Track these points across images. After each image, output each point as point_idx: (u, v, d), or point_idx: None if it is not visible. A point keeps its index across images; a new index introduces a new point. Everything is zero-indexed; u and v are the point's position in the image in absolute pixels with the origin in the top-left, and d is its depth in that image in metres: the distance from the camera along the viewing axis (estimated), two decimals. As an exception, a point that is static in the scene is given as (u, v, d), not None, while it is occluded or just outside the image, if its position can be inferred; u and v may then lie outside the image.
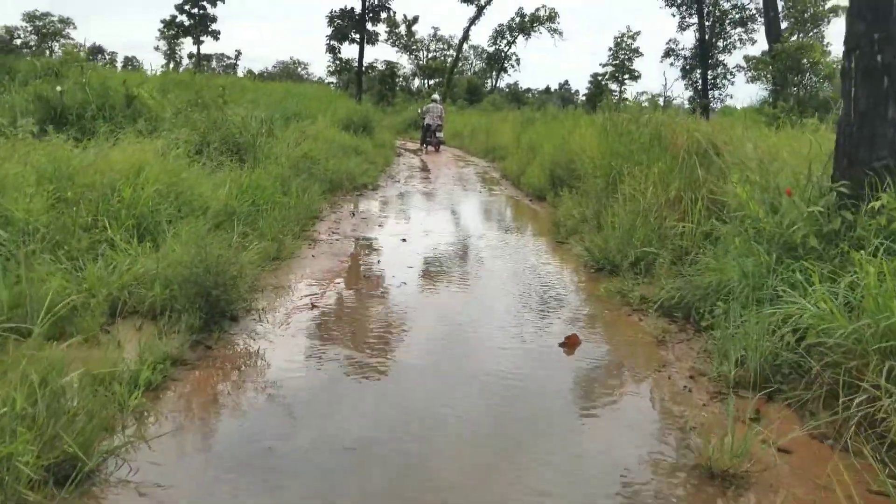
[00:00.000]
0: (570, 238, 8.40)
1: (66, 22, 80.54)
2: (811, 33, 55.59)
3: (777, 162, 5.67)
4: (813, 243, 4.45)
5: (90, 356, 3.90)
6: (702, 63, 44.07)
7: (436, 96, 25.16)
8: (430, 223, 9.52)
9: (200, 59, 62.33)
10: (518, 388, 4.08)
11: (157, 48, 67.83)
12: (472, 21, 51.11)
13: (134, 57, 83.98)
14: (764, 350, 3.92)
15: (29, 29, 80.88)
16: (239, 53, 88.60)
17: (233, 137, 9.98)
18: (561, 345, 4.71)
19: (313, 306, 5.25)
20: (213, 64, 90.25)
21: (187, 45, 62.31)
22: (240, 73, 72.18)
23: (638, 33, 75.11)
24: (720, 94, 45.65)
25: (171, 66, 63.48)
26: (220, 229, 6.45)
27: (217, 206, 6.92)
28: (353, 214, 9.57)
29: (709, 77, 44.41)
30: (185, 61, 65.01)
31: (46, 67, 12.99)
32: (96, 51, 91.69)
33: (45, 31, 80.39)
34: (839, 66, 16.13)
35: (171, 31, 58.72)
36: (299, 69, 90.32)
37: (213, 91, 11.43)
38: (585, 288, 6.33)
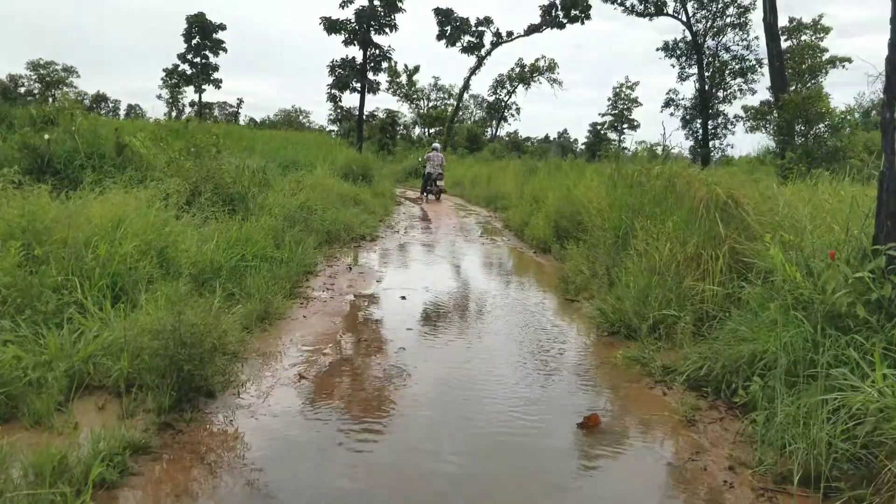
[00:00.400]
0: (579, 295, 7.92)
1: (69, 70, 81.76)
2: (809, 84, 56.15)
3: (813, 220, 5.19)
4: (862, 313, 3.96)
5: (39, 443, 3.38)
6: (702, 113, 44.29)
7: (436, 144, 24.93)
8: (430, 278, 9.03)
9: (202, 107, 62.78)
10: (532, 481, 3.54)
11: (159, 97, 68.50)
12: (473, 71, 51.44)
13: (137, 105, 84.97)
14: (818, 440, 3.40)
15: (33, 77, 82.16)
16: (241, 101, 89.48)
17: (226, 187, 9.59)
18: (579, 426, 4.17)
19: (301, 378, 4.72)
20: (216, 112, 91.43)
21: (190, 94, 62.78)
22: (241, 121, 72.87)
23: (636, 84, 76.20)
24: (720, 144, 45.85)
25: (174, 114, 63.98)
26: (205, 287, 5.99)
27: (203, 263, 6.46)
28: (350, 268, 9.08)
29: (709, 127, 44.63)
30: (188, 109, 65.62)
31: (43, 115, 12.73)
32: (100, 99, 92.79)
33: (48, 79, 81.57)
34: (846, 117, 15.75)
35: (174, 79, 59.21)
36: (301, 117, 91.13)
37: (208, 139, 11.06)
38: (600, 355, 5.80)
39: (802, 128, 17.22)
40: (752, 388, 4.21)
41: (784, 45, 54.03)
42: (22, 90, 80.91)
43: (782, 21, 55.27)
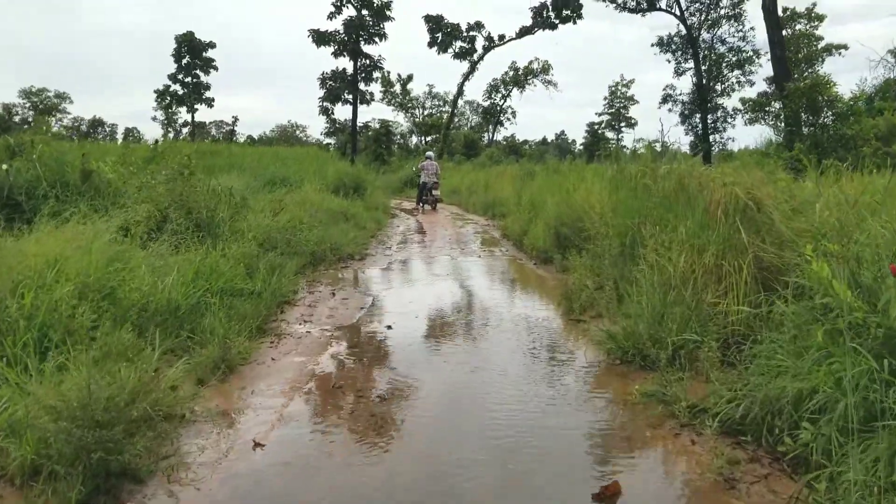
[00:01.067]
0: (585, 314, 7.14)
1: (62, 97, 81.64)
2: (806, 73, 55.40)
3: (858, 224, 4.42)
4: (936, 341, 3.18)
5: None
6: (701, 107, 43.58)
7: (430, 153, 24.23)
8: (422, 300, 8.25)
9: (196, 127, 62.26)
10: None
11: (154, 118, 68.10)
12: (466, 76, 50.91)
13: (135, 128, 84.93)
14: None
15: (27, 105, 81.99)
16: (235, 119, 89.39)
17: (198, 212, 8.85)
18: (595, 498, 3.38)
19: (256, 446, 3.94)
20: (213, 131, 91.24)
21: (185, 114, 62.19)
22: (240, 138, 72.50)
23: (632, 81, 75.65)
24: (721, 138, 45.14)
25: (171, 135, 63.41)
26: (158, 332, 5.21)
27: (158, 303, 5.69)
28: (333, 294, 8.29)
29: (709, 121, 43.90)
30: (185, 130, 65.22)
31: (19, 144, 12.05)
32: (97, 123, 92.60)
33: (41, 106, 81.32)
34: (854, 103, 14.94)
35: (166, 100, 58.68)
36: (298, 132, 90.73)
37: (180, 160, 10.30)
38: (613, 390, 4.99)
39: (809, 117, 16.45)
40: (803, 436, 3.43)
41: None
42: (17, 119, 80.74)
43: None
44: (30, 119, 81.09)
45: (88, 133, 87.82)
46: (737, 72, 44.10)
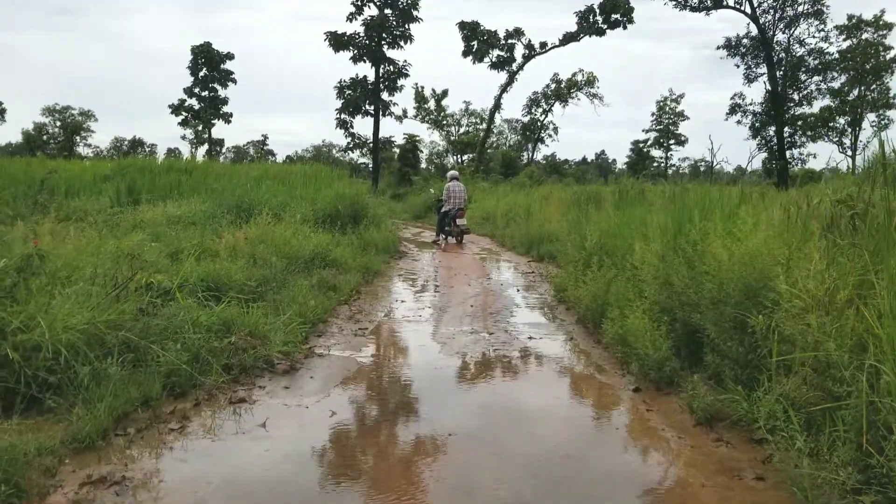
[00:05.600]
0: None
1: (86, 115, 78.88)
2: (872, 87, 48.76)
3: None
4: None
5: None
6: (775, 119, 37.60)
7: (454, 172, 18.83)
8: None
9: (212, 144, 58.13)
10: None
11: (183, 137, 64.35)
12: (504, 88, 45.82)
13: (177, 148, 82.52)
14: None
15: (57, 124, 79.62)
16: (265, 138, 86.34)
17: None
18: None
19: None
20: (251, 151, 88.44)
21: (220, 132, 58.19)
22: (279, 158, 69.07)
23: (682, 96, 69.81)
24: (799, 154, 39.07)
25: (203, 153, 59.50)
26: None
27: None
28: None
29: (785, 134, 37.90)
30: (224, 148, 61.37)
31: None
32: (137, 144, 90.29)
33: (66, 124, 78.83)
34: None
35: (181, 115, 54.60)
36: (335, 151, 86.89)
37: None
38: None
39: None
40: None
41: (843, 44, 46.79)
42: (47, 138, 78.28)
43: (839, 20, 47.82)
44: (59, 138, 78.64)
45: (128, 152, 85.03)
46: (817, 78, 38.19)
